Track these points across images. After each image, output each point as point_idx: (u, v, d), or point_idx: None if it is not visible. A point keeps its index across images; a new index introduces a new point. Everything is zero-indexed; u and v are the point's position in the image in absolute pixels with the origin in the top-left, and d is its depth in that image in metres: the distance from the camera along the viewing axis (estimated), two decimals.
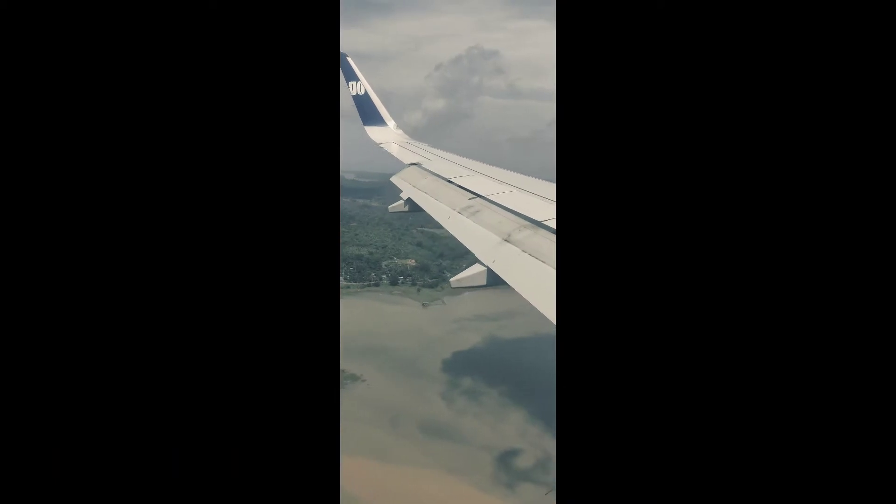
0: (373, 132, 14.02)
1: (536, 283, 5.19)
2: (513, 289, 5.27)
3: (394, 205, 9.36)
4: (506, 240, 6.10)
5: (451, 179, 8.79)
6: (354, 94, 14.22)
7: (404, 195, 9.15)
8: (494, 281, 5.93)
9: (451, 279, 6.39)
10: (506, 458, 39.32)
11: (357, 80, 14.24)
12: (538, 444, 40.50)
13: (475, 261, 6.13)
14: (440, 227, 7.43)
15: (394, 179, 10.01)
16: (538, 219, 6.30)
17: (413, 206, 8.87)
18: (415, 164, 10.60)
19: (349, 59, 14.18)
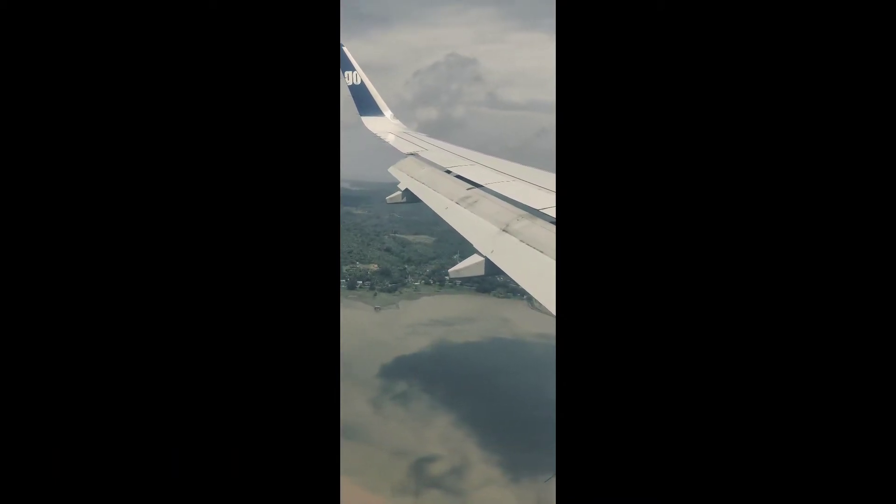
0: (369, 122, 13.94)
1: (535, 274, 5.20)
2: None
3: (391, 196, 9.31)
4: (504, 230, 6.10)
5: (449, 169, 8.76)
6: (350, 83, 14.12)
7: (402, 186, 9.10)
8: (492, 271, 5.94)
9: (450, 269, 6.40)
10: (420, 464, 38.68)
11: (353, 69, 14.14)
12: (458, 449, 40.00)
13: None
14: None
15: (391, 170, 9.96)
16: (536, 207, 6.30)
17: (410, 197, 8.83)
18: (412, 154, 10.56)
19: (345, 48, 14.06)
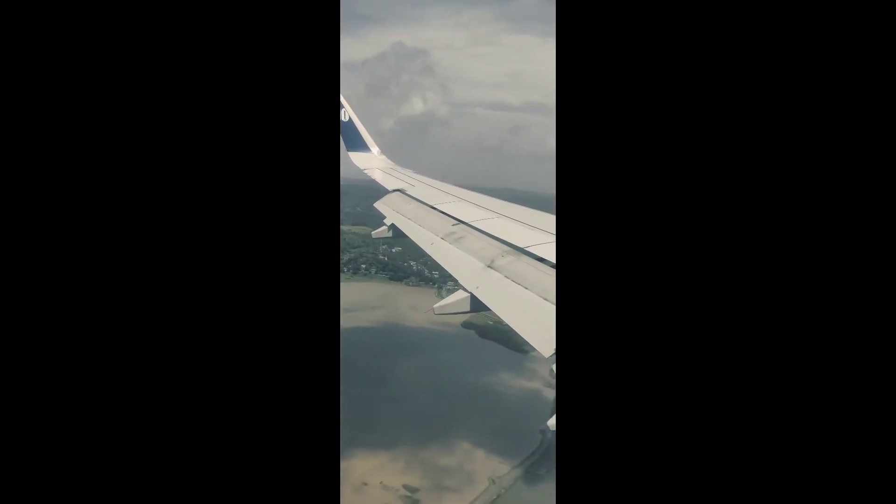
0: (357, 158, 14.05)
1: (520, 310, 5.19)
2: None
3: (377, 230, 9.35)
4: (489, 266, 6.12)
5: (435, 206, 8.83)
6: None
7: (388, 221, 9.15)
8: (478, 307, 5.92)
9: (435, 306, 6.38)
10: None
11: (341, 107, 14.31)
12: None
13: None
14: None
15: (377, 205, 10.02)
16: (521, 245, 6.34)
17: (397, 232, 8.87)
18: (398, 190, 10.63)
19: None
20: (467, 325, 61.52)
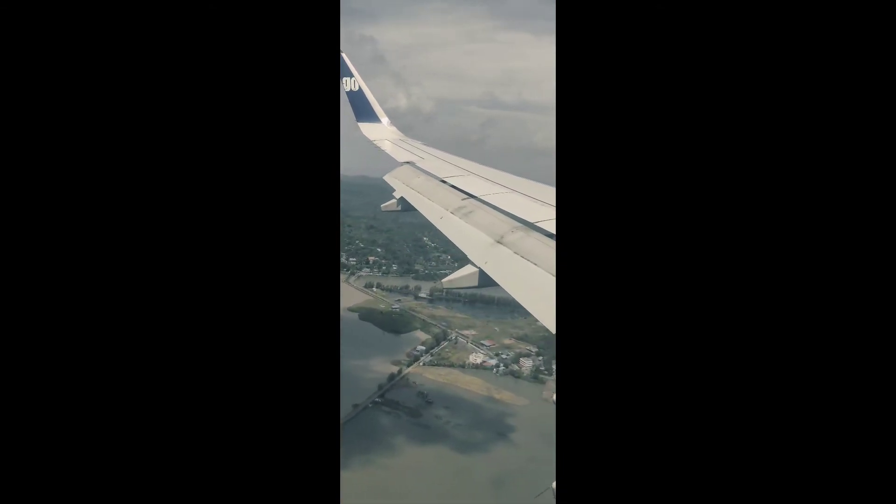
0: (366, 129, 13.96)
1: (529, 286, 5.18)
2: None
3: (386, 203, 9.32)
4: (498, 241, 6.09)
5: (445, 179, 8.76)
6: (349, 89, 14.14)
7: (397, 194, 9.11)
8: (486, 282, 5.91)
9: (444, 280, 6.37)
10: None
11: (351, 76, 14.17)
12: None
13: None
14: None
15: (387, 178, 9.97)
16: (531, 220, 6.29)
17: (405, 206, 8.83)
18: (408, 162, 10.58)
19: (343, 54, 14.10)
20: (354, 308, 63.28)
